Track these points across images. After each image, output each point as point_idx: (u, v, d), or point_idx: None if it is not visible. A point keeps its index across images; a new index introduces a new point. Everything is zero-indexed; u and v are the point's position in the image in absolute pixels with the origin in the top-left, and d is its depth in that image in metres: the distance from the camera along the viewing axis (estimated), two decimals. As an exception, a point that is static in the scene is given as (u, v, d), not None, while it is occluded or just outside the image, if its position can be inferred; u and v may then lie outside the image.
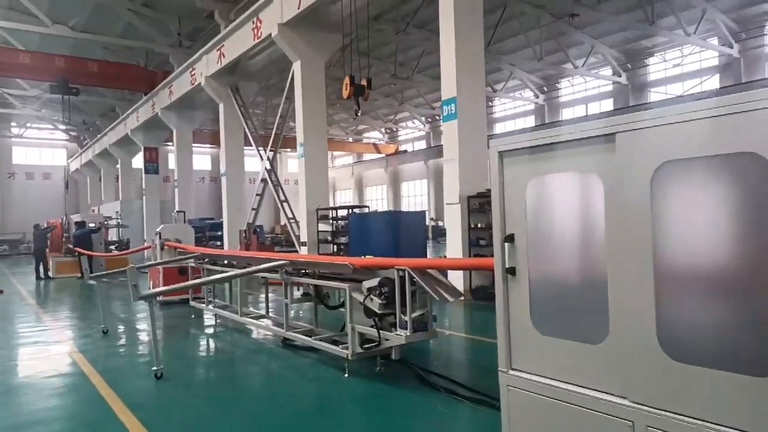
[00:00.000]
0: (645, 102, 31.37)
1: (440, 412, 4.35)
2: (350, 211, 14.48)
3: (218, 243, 21.25)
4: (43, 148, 44.30)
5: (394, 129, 50.30)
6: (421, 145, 49.09)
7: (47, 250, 18.49)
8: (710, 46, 27.37)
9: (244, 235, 19.09)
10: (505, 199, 3.07)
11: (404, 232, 12.09)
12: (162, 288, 5.62)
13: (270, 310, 7.85)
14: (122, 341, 7.97)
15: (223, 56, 18.79)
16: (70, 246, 18.63)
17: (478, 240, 10.35)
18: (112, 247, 21.08)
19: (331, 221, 15.03)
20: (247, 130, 19.48)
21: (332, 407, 4.72)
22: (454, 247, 10.53)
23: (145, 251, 15.04)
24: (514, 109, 43.50)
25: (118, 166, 35.49)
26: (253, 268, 6.17)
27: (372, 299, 4.98)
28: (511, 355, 3.05)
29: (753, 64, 27.09)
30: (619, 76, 32.27)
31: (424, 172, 46.20)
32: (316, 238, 15.21)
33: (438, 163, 45.08)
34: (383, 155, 51.55)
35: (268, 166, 18.34)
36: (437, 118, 46.13)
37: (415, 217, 12.87)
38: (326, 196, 15.82)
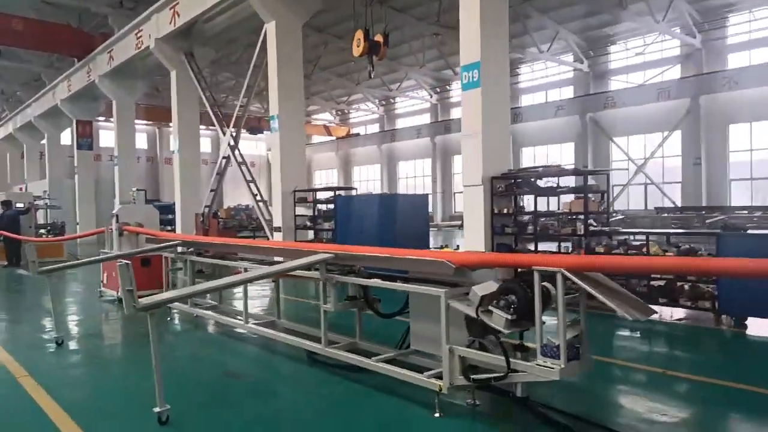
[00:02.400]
0: (606, 90, 31.35)
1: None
2: (335, 193, 12.81)
3: (169, 227, 18.97)
4: (-47, 119, 39.39)
5: (346, 111, 48.44)
6: (374, 128, 47.53)
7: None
8: (675, 35, 27.31)
9: (201, 219, 16.99)
10: None
11: (404, 218, 10.60)
12: (171, 294, 3.87)
13: (251, 309, 6.21)
14: (87, 358, 6.08)
15: (178, 15, 16.49)
16: (-6, 230, 15.92)
17: (503, 228, 9.03)
18: (43, 231, 18.36)
19: (311, 204, 13.31)
20: (205, 101, 17.28)
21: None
22: (474, 235, 9.17)
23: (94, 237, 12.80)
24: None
25: (44, 141, 31.82)
26: (289, 264, 4.53)
27: (492, 312, 3.51)
28: None
29: (714, 55, 27.26)
30: (581, 62, 32.06)
31: (377, 157, 44.77)
32: (293, 223, 13.47)
33: (391, 147, 43.79)
34: (334, 138, 49.64)
35: (232, 142, 16.31)
36: (392, 100, 44.71)
37: (416, 200, 11.37)
38: (303, 175, 14.09)
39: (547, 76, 35.52)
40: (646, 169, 29.08)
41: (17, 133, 33.92)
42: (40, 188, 25.64)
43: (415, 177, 42.49)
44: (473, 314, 3.59)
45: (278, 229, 13.73)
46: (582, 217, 8.05)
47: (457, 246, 11.66)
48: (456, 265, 3.80)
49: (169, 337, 7.00)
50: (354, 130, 50.17)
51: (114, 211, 9.43)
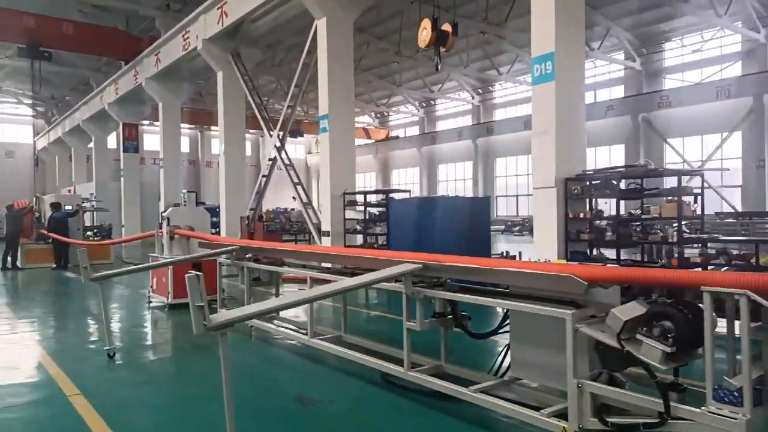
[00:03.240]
0: (659, 89, 29.92)
1: None
2: (387, 196, 12.20)
3: (213, 230, 18.74)
4: (7, 123, 40.58)
5: (386, 113, 47.96)
6: (414, 131, 46.88)
7: (21, 235, 15.80)
8: (737, 29, 25.79)
9: (246, 222, 16.67)
10: None
11: (465, 223, 9.92)
12: (249, 311, 3.31)
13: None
14: (141, 374, 5.60)
15: (225, 15, 16.22)
16: (43, 231, 15.95)
17: (578, 233, 8.26)
18: (90, 233, 18.37)
19: (361, 208, 12.75)
20: (252, 102, 16.97)
21: None
22: (546, 242, 8.43)
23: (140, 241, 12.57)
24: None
25: (91, 144, 32.37)
26: (374, 276, 3.94)
27: (641, 342, 2.83)
28: None
29: (781, 50, 25.67)
30: (633, 60, 30.72)
31: (416, 160, 44.13)
32: (342, 227, 12.95)
33: (431, 150, 43.05)
34: (373, 141, 49.20)
35: (278, 144, 15.94)
36: (432, 102, 43.99)
37: (478, 204, 10.65)
38: (353, 178, 13.55)
39: (596, 75, 34.23)
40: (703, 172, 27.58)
41: (66, 137, 34.63)
42: (86, 191, 25.98)
43: (455, 180, 41.65)
44: (614, 343, 2.92)
45: (326, 234, 13.24)
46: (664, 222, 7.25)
47: (519, 253, 10.87)
48: (588, 282, 3.13)
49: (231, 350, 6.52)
50: (393, 133, 49.63)
51: (164, 214, 9.06)
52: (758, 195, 25.00)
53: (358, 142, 50.96)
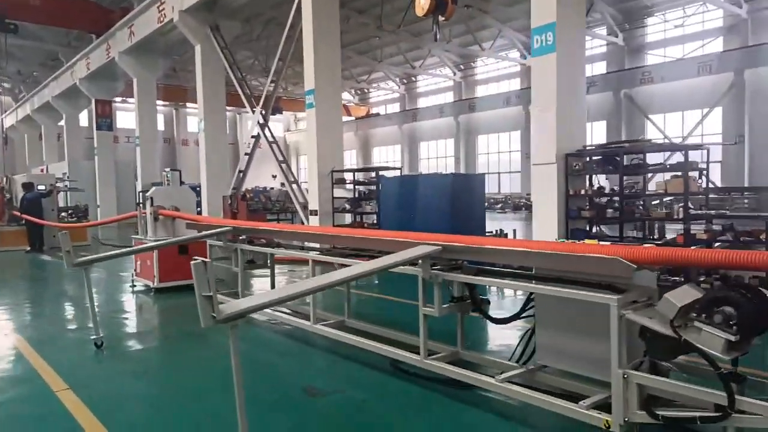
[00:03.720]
0: (642, 65, 29.89)
1: None
2: (377, 174, 11.86)
3: (197, 210, 18.18)
4: (-29, 101, 38.87)
5: (366, 90, 47.25)
6: (395, 108, 46.33)
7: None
8: (719, 3, 25.73)
9: (229, 201, 16.20)
10: None
11: (460, 201, 9.65)
12: (260, 301, 2.98)
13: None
14: (132, 364, 5.25)
15: (203, -14, 15.52)
16: (16, 213, 15.26)
17: (579, 211, 8.06)
18: (64, 214, 17.67)
19: (350, 186, 12.41)
20: (232, 77, 16.36)
21: None
22: (546, 220, 8.23)
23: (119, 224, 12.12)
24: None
25: (62, 122, 31.17)
26: (390, 260, 3.64)
27: (699, 329, 2.60)
28: None
29: (762, 26, 25.74)
30: (616, 36, 30.65)
31: (397, 137, 43.68)
32: (331, 206, 12.61)
33: (412, 127, 42.62)
34: (353, 118, 48.51)
35: (261, 121, 15.42)
36: (414, 79, 43.38)
37: (472, 181, 10.37)
38: (341, 155, 13.18)
39: (498, 69, 35.53)
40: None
41: (35, 115, 33.30)
42: (59, 170, 25.03)
43: (437, 158, 41.35)
44: (667, 331, 2.68)
45: (314, 213, 12.90)
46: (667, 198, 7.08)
47: (513, 231, 10.68)
48: (636, 265, 2.88)
49: (219, 338, 6.19)
50: (374, 110, 49.02)
51: (148, 194, 8.60)
52: (738, 170, 25.27)
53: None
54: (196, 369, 4.95)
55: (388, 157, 45.19)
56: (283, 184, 44.14)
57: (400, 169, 12.55)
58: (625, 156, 7.82)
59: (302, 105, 47.03)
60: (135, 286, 9.12)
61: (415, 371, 4.32)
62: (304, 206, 14.04)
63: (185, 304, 7.94)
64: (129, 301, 8.30)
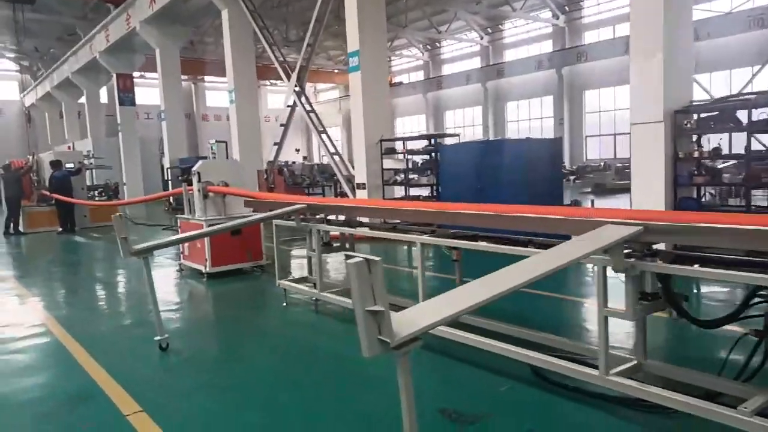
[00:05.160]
0: (579, 44, 31.16)
1: None
2: (434, 141, 10.80)
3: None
4: (-10, 80, 38.30)
5: (389, 58, 45.65)
6: (418, 76, 44.80)
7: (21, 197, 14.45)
8: None
9: (265, 176, 15.33)
10: None
11: (536, 170, 8.60)
12: (452, 309, 2.04)
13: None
14: (210, 376, 4.37)
15: (229, -57, 14.36)
16: (45, 192, 14.55)
17: (690, 177, 7.00)
18: (95, 193, 16.96)
19: (402, 156, 11.39)
20: (264, 42, 15.28)
21: None
22: (648, 188, 7.18)
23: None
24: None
25: (83, 99, 30.39)
26: (580, 248, 2.66)
27: None
28: None
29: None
30: (557, 18, 31.47)
31: (422, 106, 42.34)
32: (381, 178, 11.63)
33: (437, 96, 41.19)
34: (376, 87, 47.01)
35: (297, 88, 14.38)
36: (438, 44, 41.75)
37: (548, 147, 9.23)
38: (390, 123, 12.15)
39: (528, 32, 35.28)
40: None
41: (55, 92, 32.56)
42: (83, 148, 24.32)
43: (464, 126, 39.99)
44: None
45: (362, 186, 11.93)
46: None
47: (592, 201, 9.61)
48: None
49: (294, 332, 5.31)
50: (396, 79, 47.50)
51: (194, 168, 7.69)
52: None
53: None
54: (291, 380, 4.06)
55: (412, 127, 43.90)
56: (305, 158, 43.37)
57: (457, 135, 11.44)
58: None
59: (324, 75, 45.77)
60: (182, 270, 8.30)
61: (575, 386, 3.39)
62: (348, 179, 13.09)
63: (244, 292, 7.13)
64: (181, 289, 7.48)
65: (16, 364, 4.72)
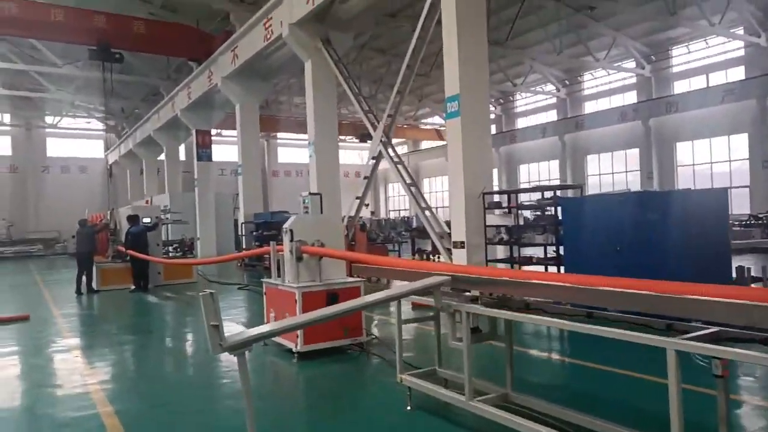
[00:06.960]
0: (669, 94, 29.17)
1: None
2: (554, 194, 9.29)
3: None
4: (79, 139, 40.21)
5: (459, 112, 44.93)
6: (491, 130, 43.61)
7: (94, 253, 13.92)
8: (736, 36, 24.97)
9: (346, 232, 14.18)
10: None
11: (695, 230, 6.89)
12: None
13: None
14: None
15: (315, -6, 13.89)
16: (120, 248, 13.98)
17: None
18: (170, 248, 16.39)
19: (510, 211, 9.94)
20: (348, 91, 14.54)
21: None
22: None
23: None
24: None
25: (162, 156, 31.09)
26: None
27: None
28: None
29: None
30: (643, 68, 29.95)
31: (494, 160, 40.90)
32: (483, 236, 10.18)
33: (510, 150, 39.71)
34: (444, 142, 46.20)
35: (384, 139, 13.39)
36: (511, 98, 40.65)
37: (710, 199, 7.44)
38: (490, 175, 10.81)
39: (610, 82, 33.82)
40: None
41: (137, 149, 33.64)
42: (160, 203, 24.37)
43: (539, 181, 38.20)
44: None
45: (460, 245, 10.50)
46: None
47: (763, 268, 7.67)
48: None
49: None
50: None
51: (286, 225, 6.54)
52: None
53: (429, 144, 48.10)
54: None
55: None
56: (373, 212, 42.53)
57: (580, 187, 9.91)
58: None
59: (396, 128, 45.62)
60: (267, 345, 7.04)
61: None
62: (441, 236, 11.73)
63: (348, 380, 5.71)
64: (269, 373, 6.17)
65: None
